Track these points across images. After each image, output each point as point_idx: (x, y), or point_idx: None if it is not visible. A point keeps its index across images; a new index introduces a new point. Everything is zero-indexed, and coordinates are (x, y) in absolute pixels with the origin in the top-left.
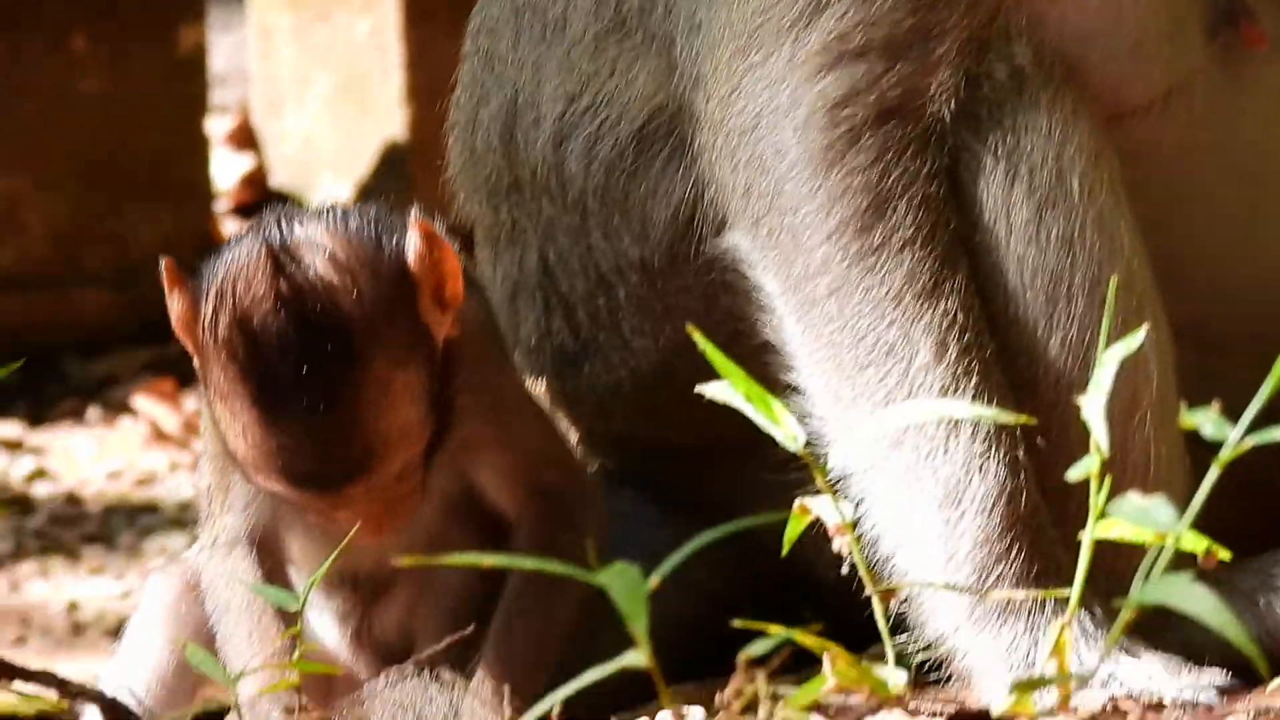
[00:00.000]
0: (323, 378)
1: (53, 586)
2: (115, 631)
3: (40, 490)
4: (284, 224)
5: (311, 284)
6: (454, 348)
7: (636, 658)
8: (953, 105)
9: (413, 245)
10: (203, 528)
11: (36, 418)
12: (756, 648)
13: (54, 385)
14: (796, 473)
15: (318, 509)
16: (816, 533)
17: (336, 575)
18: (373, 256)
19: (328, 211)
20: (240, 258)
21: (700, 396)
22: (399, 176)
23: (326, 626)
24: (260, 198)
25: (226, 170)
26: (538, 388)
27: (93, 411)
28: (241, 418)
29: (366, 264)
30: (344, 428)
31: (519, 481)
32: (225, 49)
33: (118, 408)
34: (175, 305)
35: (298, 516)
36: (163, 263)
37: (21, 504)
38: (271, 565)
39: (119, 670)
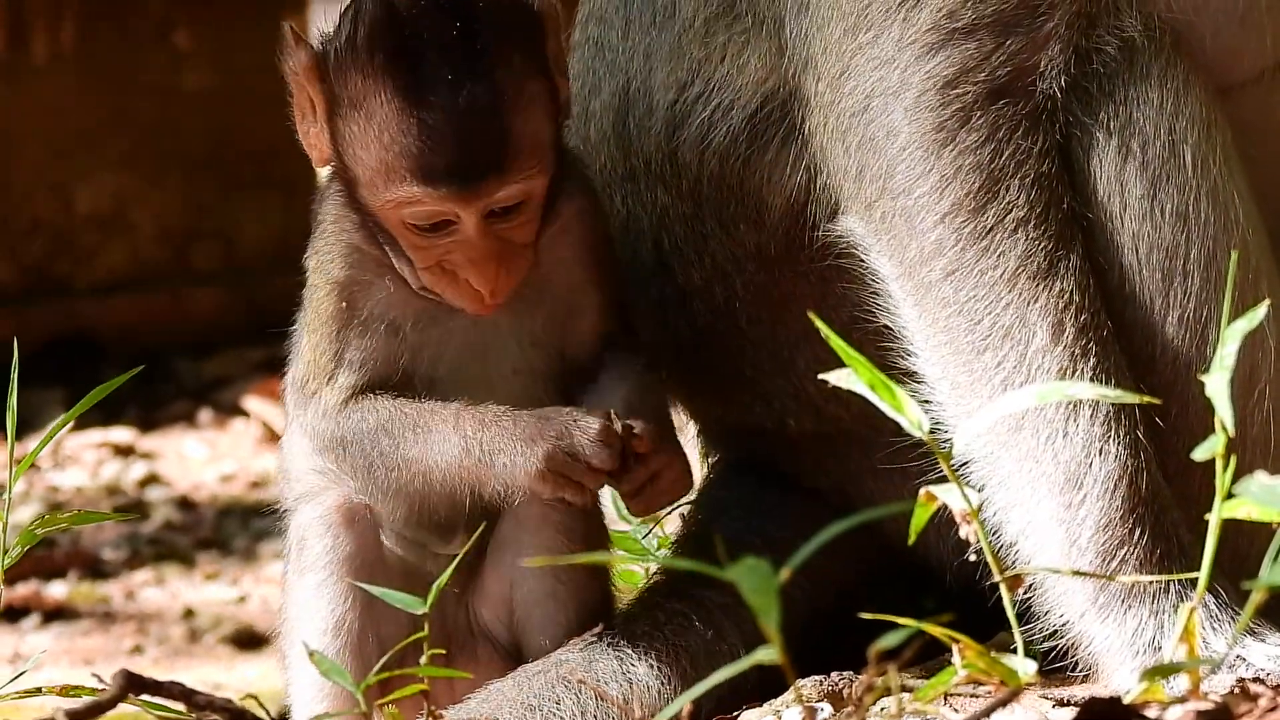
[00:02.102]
0: (468, 61)
1: (168, 594)
2: (232, 638)
3: (153, 495)
4: None
5: None
6: (570, 161)
7: (769, 654)
8: (1063, 81)
9: None
10: (304, 407)
11: (148, 422)
12: (889, 640)
13: (165, 387)
14: (915, 460)
15: (440, 241)
16: (938, 520)
17: (437, 528)
18: None
19: None
20: None
21: (818, 384)
22: None
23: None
24: None
25: None
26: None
27: (204, 414)
28: (379, 116)
29: None
30: (485, 112)
31: (610, 321)
32: None
33: (229, 410)
34: (300, 56)
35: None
36: (285, 28)
37: (135, 510)
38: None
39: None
